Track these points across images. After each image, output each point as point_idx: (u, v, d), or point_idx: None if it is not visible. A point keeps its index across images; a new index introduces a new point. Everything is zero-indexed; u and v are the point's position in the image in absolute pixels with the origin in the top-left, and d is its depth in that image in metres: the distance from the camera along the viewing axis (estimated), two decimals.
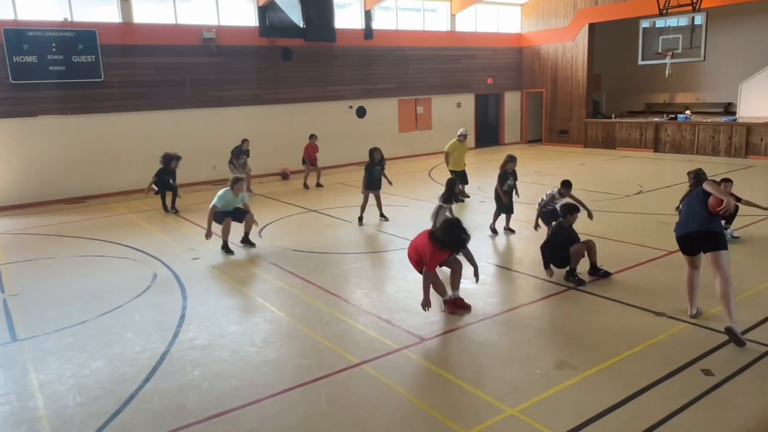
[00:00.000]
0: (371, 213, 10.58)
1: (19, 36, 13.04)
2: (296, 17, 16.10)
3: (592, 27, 20.36)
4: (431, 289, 5.94)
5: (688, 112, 19.42)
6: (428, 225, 8.41)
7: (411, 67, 19.73)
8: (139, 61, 14.72)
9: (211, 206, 8.74)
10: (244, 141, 14.07)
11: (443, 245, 5.80)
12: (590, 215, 8.07)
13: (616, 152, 19.38)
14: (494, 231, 9.36)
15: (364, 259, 8.52)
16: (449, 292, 6.22)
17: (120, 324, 6.17)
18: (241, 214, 8.96)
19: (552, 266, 7.07)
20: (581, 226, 8.82)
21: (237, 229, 9.10)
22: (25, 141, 13.50)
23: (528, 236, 8.93)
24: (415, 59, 19.79)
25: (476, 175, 14.00)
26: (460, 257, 6.26)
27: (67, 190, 14.09)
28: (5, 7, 13.08)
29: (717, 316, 5.66)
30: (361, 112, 18.86)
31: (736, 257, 5.59)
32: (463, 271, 6.34)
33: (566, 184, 8.16)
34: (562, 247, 6.94)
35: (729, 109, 19.79)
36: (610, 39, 21.52)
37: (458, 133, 12.20)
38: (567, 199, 8.08)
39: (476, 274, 6.16)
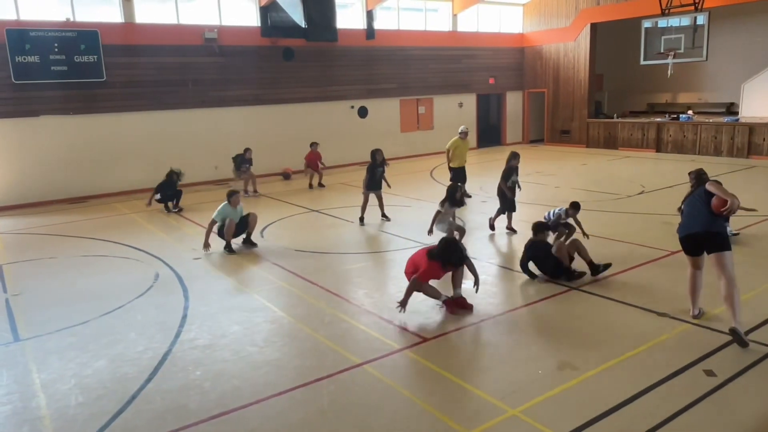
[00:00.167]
0: (373, 213, 10.57)
1: (21, 36, 13.06)
2: (298, 17, 16.11)
3: (594, 27, 20.34)
4: (427, 294, 6.04)
5: (690, 112, 19.39)
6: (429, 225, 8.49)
7: (413, 67, 19.73)
8: (141, 61, 14.73)
9: (210, 220, 8.92)
10: (247, 150, 14.05)
11: (440, 260, 5.94)
12: (586, 236, 8.12)
13: (618, 152, 19.36)
14: (492, 228, 9.36)
15: (365, 259, 8.51)
16: (451, 292, 6.23)
17: (122, 324, 6.18)
18: (243, 222, 9.02)
19: (544, 275, 7.04)
20: (588, 226, 8.83)
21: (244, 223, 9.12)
22: (27, 141, 13.52)
23: (530, 236, 8.89)
24: (417, 59, 19.78)
25: (478, 175, 14.00)
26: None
27: (69, 189, 14.11)
28: (7, 7, 13.11)
29: (719, 316, 5.66)
30: (362, 112, 18.86)
31: (738, 258, 5.57)
32: (465, 272, 6.33)
33: (575, 206, 8.15)
34: (545, 257, 6.97)
35: (731, 109, 19.77)
36: (612, 39, 21.51)
37: (459, 131, 12.21)
38: (570, 220, 8.17)
39: (476, 284, 6.20)
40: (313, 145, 14.99)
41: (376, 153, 10.46)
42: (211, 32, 15.32)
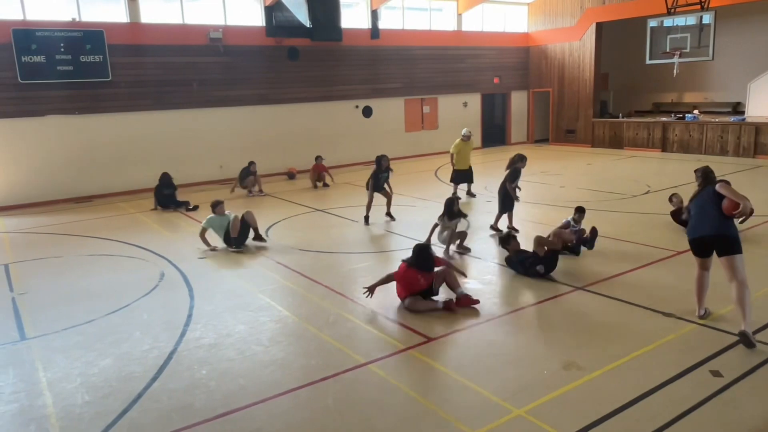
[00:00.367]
0: (377, 212, 10.58)
1: (27, 36, 13.11)
2: (303, 17, 16.11)
3: (600, 26, 20.27)
4: (423, 310, 6.18)
5: (696, 111, 19.31)
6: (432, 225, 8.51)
7: (417, 66, 19.71)
8: (147, 61, 14.77)
9: (201, 229, 9.08)
10: (251, 164, 14.00)
11: (416, 267, 6.24)
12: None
13: (623, 152, 19.30)
14: (498, 230, 9.35)
15: (370, 259, 8.51)
16: (452, 294, 6.32)
17: (127, 323, 6.20)
18: (243, 227, 9.06)
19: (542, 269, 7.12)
20: (587, 225, 8.81)
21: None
22: (34, 140, 13.58)
23: (532, 236, 8.87)
24: (422, 59, 19.77)
25: (483, 175, 13.97)
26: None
27: (75, 189, 14.17)
28: (14, 7, 13.17)
29: (725, 317, 5.64)
30: (367, 112, 18.86)
31: (745, 257, 5.51)
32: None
33: (579, 210, 8.36)
34: (533, 264, 7.06)
35: (737, 108, 19.67)
36: (617, 38, 21.43)
37: (462, 133, 12.19)
38: (582, 225, 8.29)
39: (463, 274, 6.60)
40: (318, 158, 14.95)
41: (381, 159, 10.44)
42: (216, 32, 15.36)
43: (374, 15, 18.21)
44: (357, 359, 5.12)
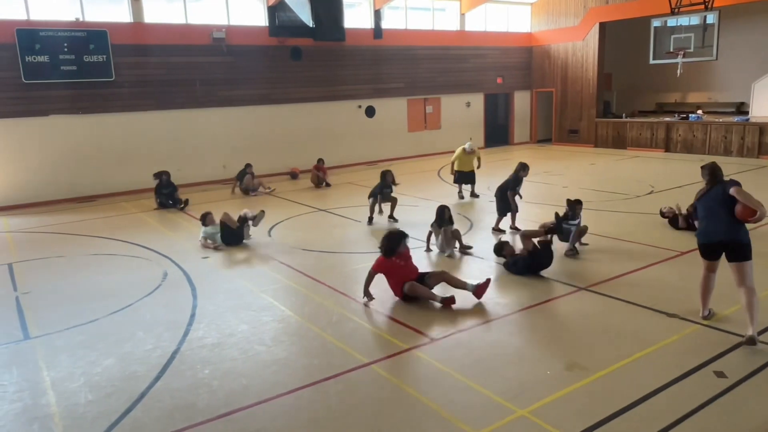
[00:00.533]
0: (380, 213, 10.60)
1: (31, 36, 13.15)
2: (306, 17, 16.12)
3: (603, 26, 20.23)
4: (422, 295, 6.32)
5: (699, 111, 19.26)
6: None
7: (420, 66, 19.70)
8: (150, 61, 14.80)
9: (201, 239, 9.28)
10: (248, 165, 14.24)
11: (390, 254, 6.47)
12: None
13: (626, 152, 19.26)
14: (501, 230, 9.37)
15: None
16: (456, 291, 6.38)
17: (131, 322, 6.20)
18: (237, 234, 9.22)
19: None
20: (591, 225, 8.79)
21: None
22: (37, 140, 13.61)
23: None
24: (425, 58, 19.76)
25: (486, 175, 13.95)
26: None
27: (78, 188, 14.20)
28: (18, 7, 13.20)
29: (729, 317, 5.62)
30: (370, 112, 18.85)
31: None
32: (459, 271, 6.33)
33: (572, 203, 8.40)
34: (531, 266, 7.13)
35: (741, 108, 19.61)
36: (621, 38, 21.38)
37: (465, 148, 12.22)
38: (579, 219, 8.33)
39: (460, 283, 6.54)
40: (320, 161, 15.14)
41: (386, 174, 10.48)
42: (219, 32, 15.37)
43: (377, 15, 18.21)
44: (360, 359, 5.11)
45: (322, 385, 4.71)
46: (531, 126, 23.38)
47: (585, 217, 8.96)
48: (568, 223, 8.25)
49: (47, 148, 13.74)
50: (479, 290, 6.34)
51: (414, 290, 6.34)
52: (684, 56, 16.88)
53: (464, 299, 6.36)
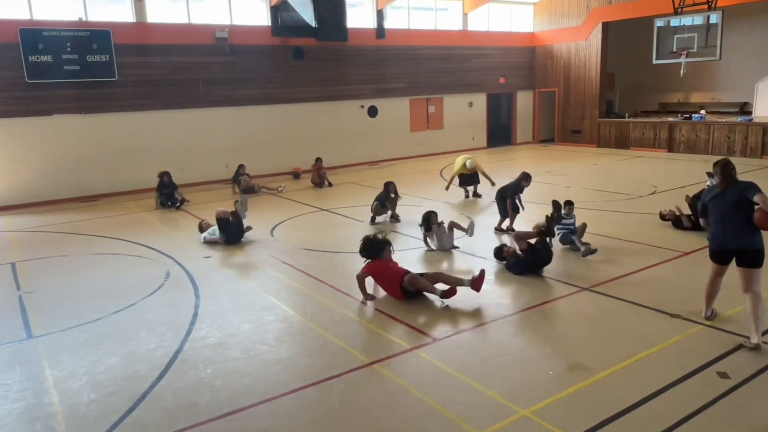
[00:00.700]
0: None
1: (34, 36, 13.17)
2: (308, 17, 16.12)
3: (606, 26, 20.20)
4: (422, 288, 6.37)
5: (702, 111, 19.21)
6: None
7: (423, 66, 19.69)
8: (153, 61, 14.82)
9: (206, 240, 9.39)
10: (241, 166, 14.48)
11: (368, 256, 6.72)
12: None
13: (629, 152, 19.22)
14: (503, 230, 9.38)
15: None
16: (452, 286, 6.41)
17: (133, 322, 6.21)
18: (237, 231, 9.33)
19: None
20: (593, 226, 8.79)
21: (251, 225, 9.21)
22: (40, 140, 13.64)
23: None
24: (427, 58, 19.75)
25: (490, 175, 13.91)
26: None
27: (81, 188, 14.22)
28: (21, 6, 13.23)
29: (733, 318, 5.60)
30: (372, 112, 18.85)
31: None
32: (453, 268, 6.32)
33: (558, 204, 8.52)
34: (530, 264, 7.16)
35: (744, 108, 19.57)
36: (623, 38, 21.35)
37: (467, 165, 12.32)
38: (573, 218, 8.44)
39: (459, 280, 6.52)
40: (318, 160, 15.21)
41: (388, 185, 10.50)
42: (221, 32, 15.38)
43: (380, 15, 18.20)
44: (362, 359, 5.11)
45: (324, 384, 4.71)
46: (533, 126, 23.36)
47: (588, 218, 8.97)
48: (563, 224, 8.26)
49: (50, 148, 13.77)
50: (475, 283, 6.35)
51: (414, 281, 6.33)
52: (687, 56, 16.84)
53: (466, 299, 6.36)
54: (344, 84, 18.06)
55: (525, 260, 7.17)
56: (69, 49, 13.58)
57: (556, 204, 8.45)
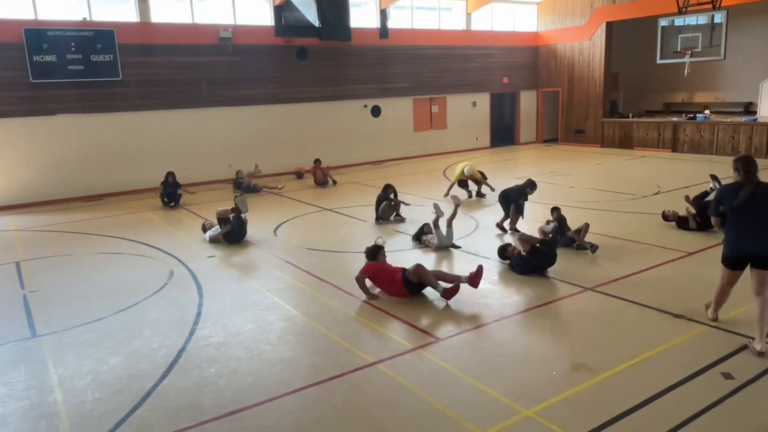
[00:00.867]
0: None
1: (39, 35, 13.21)
2: (312, 16, 16.14)
3: (610, 25, 20.16)
4: (427, 281, 6.42)
5: (707, 111, 19.15)
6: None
7: (426, 66, 19.68)
8: (157, 60, 14.85)
9: (211, 239, 9.39)
10: (238, 172, 14.64)
11: (374, 260, 6.87)
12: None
13: (633, 152, 19.17)
14: (504, 229, 9.39)
15: None
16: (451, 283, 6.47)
17: (137, 321, 6.23)
18: (238, 231, 9.32)
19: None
20: (597, 226, 8.78)
21: (254, 224, 9.21)
22: (44, 139, 13.68)
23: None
24: (430, 58, 19.74)
25: (492, 175, 13.91)
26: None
27: (85, 187, 14.26)
28: (26, 6, 13.27)
29: (737, 319, 5.58)
30: (375, 112, 18.85)
31: None
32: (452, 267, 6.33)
33: (551, 211, 8.62)
34: (534, 265, 7.15)
35: (749, 108, 19.49)
36: (628, 37, 21.29)
37: (465, 171, 12.49)
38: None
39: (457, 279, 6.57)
40: (317, 161, 15.29)
41: (387, 187, 10.59)
42: (225, 31, 15.40)
43: (383, 14, 18.19)
44: (365, 359, 5.11)
45: (327, 384, 4.71)
46: (537, 126, 23.32)
47: (591, 218, 8.96)
48: (566, 233, 8.22)
49: (54, 147, 13.81)
50: (473, 279, 6.39)
51: (420, 270, 6.37)
52: (691, 56, 16.79)
53: (468, 299, 6.36)
54: (347, 84, 18.07)
55: (529, 261, 7.16)
56: (73, 49, 13.61)
57: (561, 218, 8.39)
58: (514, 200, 9.29)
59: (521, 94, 22.59)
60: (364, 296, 6.61)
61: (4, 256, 9.17)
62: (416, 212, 11.08)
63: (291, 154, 16.87)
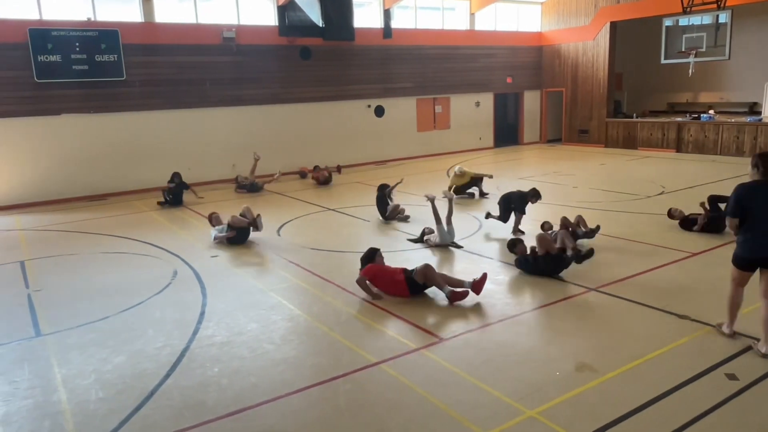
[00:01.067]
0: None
1: (43, 35, 13.26)
2: (315, 16, 16.14)
3: (614, 25, 20.11)
4: (434, 282, 6.41)
5: (711, 111, 19.09)
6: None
7: (430, 66, 19.67)
8: (161, 60, 14.88)
9: (216, 239, 9.36)
10: (238, 177, 14.85)
11: (373, 262, 6.87)
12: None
13: (637, 152, 19.13)
14: (522, 231, 9.36)
15: None
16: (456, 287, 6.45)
17: (141, 320, 6.24)
18: (244, 236, 9.31)
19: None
20: (601, 226, 8.74)
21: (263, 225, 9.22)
22: (49, 139, 13.72)
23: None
24: (434, 58, 19.73)
25: (496, 175, 13.90)
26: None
27: (90, 187, 14.30)
28: (30, 6, 13.32)
29: (741, 319, 5.54)
30: (379, 112, 18.85)
31: None
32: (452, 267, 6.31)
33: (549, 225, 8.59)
34: (544, 270, 7.10)
35: (754, 108, 19.42)
36: (632, 37, 21.25)
37: (456, 171, 12.75)
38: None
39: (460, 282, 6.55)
40: (316, 168, 15.38)
41: (382, 187, 10.66)
42: (229, 31, 15.43)
43: (387, 14, 18.20)
44: (368, 358, 5.11)
45: (330, 384, 4.71)
46: (541, 126, 23.29)
47: (595, 218, 8.94)
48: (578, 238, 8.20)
49: (59, 147, 13.85)
50: (476, 286, 6.35)
51: (428, 272, 6.36)
52: (696, 56, 16.76)
53: (471, 300, 6.35)
54: (351, 84, 18.07)
55: (539, 264, 7.10)
56: (78, 49, 13.65)
57: (574, 233, 8.30)
58: (517, 208, 9.25)
59: (525, 94, 22.56)
60: (367, 296, 6.61)
61: (8, 256, 9.21)
62: (419, 211, 11.08)
63: (294, 154, 16.88)
